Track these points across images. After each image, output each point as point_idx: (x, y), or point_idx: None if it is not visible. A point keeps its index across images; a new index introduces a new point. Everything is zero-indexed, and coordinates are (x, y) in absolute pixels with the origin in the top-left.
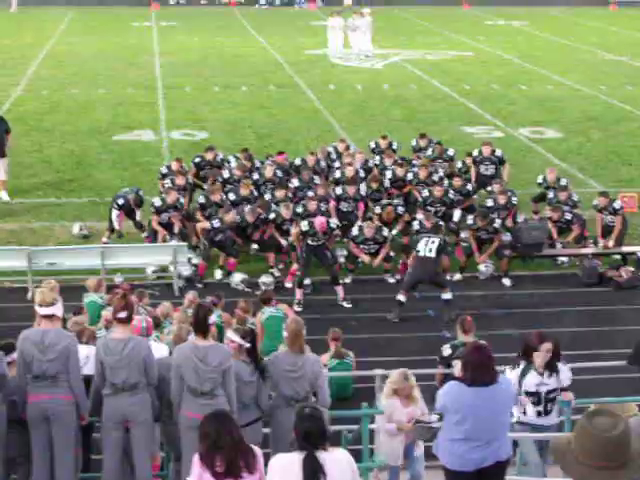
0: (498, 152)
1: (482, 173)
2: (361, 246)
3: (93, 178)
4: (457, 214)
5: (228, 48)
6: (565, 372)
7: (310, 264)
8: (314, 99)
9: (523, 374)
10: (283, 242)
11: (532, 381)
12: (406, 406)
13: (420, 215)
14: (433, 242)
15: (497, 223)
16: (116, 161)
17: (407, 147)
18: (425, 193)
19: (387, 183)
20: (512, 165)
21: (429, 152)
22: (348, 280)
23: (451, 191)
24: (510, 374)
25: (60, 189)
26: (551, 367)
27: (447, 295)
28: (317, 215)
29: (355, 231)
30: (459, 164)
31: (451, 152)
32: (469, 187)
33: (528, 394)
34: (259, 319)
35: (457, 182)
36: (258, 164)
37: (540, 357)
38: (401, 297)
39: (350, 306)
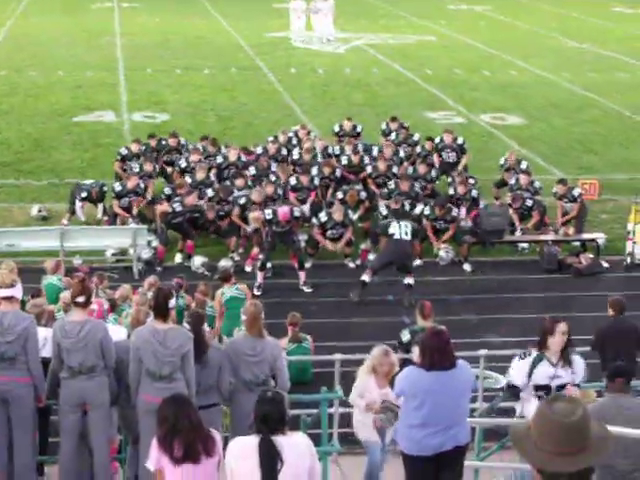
0: (459, 140)
1: (444, 160)
2: (330, 231)
3: (53, 159)
4: (419, 208)
5: (190, 30)
6: (579, 364)
7: (274, 248)
8: (275, 82)
9: (534, 364)
10: (248, 228)
11: (545, 373)
12: (382, 387)
13: (383, 201)
14: (407, 226)
15: (455, 212)
16: (76, 142)
17: (368, 131)
18: (391, 185)
19: (338, 173)
20: (474, 152)
21: (393, 136)
22: (308, 265)
23: (416, 185)
24: (518, 364)
25: (19, 170)
26: (565, 357)
27: (410, 280)
28: (275, 199)
29: (324, 217)
30: (418, 149)
31: (416, 137)
32: (433, 173)
33: (538, 387)
34: (219, 299)
35: (423, 169)
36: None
37: (556, 342)
38: (366, 277)
39: (310, 291)
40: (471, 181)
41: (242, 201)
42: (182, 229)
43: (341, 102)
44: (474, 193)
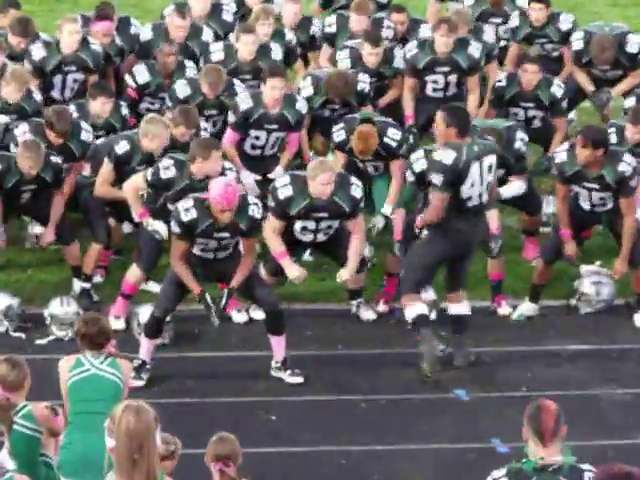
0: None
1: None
2: (302, 226)
3: None
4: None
5: None
6: None
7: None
8: None
9: None
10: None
11: None
12: None
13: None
14: None
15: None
16: None
17: None
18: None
19: (365, 87)
20: None
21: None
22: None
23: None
24: None
25: None
26: None
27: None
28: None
29: (284, 190)
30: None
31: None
32: None
33: None
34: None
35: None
36: None
37: None
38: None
39: (299, 381)
40: None
41: (120, 150)
42: None
43: None
44: None
